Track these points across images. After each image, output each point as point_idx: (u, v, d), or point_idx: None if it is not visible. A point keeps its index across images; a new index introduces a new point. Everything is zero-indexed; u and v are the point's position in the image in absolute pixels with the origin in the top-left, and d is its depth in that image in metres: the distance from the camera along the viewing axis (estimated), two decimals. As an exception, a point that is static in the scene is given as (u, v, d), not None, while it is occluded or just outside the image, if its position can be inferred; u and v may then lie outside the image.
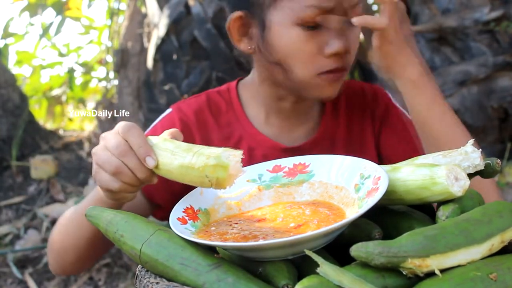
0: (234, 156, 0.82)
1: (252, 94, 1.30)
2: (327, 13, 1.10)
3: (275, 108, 1.28)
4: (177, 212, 0.84)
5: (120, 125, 0.91)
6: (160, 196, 1.25)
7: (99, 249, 1.21)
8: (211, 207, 0.90)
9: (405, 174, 0.78)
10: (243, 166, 0.86)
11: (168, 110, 1.32)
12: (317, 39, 1.13)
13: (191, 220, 0.84)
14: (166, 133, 0.93)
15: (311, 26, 1.11)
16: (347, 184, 0.89)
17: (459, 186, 0.74)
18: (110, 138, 0.90)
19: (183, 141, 1.24)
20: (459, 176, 0.75)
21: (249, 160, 1.23)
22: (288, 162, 0.96)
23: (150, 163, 0.87)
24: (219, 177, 0.81)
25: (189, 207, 0.86)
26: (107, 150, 0.90)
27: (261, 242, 0.73)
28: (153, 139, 0.90)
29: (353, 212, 0.82)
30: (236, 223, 0.85)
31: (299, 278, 0.67)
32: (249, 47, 1.21)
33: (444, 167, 0.74)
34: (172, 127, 1.27)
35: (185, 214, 0.84)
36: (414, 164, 0.82)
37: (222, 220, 0.88)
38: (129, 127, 0.90)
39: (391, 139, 1.32)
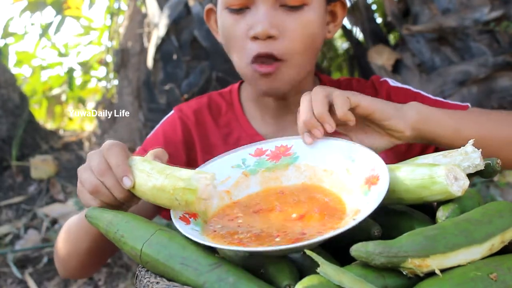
0: (205, 179, 0.81)
1: (248, 94, 1.31)
2: None
3: (264, 106, 1.27)
4: (177, 211, 0.84)
5: (105, 144, 0.91)
6: None
7: (101, 255, 1.21)
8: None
9: (405, 173, 0.78)
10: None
11: (171, 112, 1.34)
12: (243, 22, 1.12)
13: (192, 218, 0.84)
14: (150, 154, 0.93)
15: (236, 9, 1.11)
16: (337, 167, 0.88)
17: (458, 186, 0.74)
18: (94, 157, 0.91)
19: (181, 145, 1.26)
20: (458, 176, 0.75)
21: None
22: (269, 145, 0.96)
23: (127, 183, 0.86)
24: (188, 200, 0.80)
25: (183, 215, 0.86)
26: (89, 169, 0.90)
27: (286, 246, 0.72)
28: (134, 159, 0.89)
29: (353, 199, 0.82)
30: (237, 217, 0.85)
31: (300, 277, 0.67)
32: None
33: (444, 167, 0.74)
34: (173, 128, 1.28)
35: (184, 212, 0.84)
36: (414, 163, 0.82)
37: (219, 214, 0.88)
38: (111, 146, 0.90)
39: None
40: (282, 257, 0.74)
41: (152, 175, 0.84)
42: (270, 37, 1.09)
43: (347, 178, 0.87)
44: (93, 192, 0.89)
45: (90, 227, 1.02)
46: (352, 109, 0.93)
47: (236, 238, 0.78)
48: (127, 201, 0.90)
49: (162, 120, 1.33)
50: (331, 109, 0.93)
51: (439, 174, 0.74)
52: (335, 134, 0.95)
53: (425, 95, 1.26)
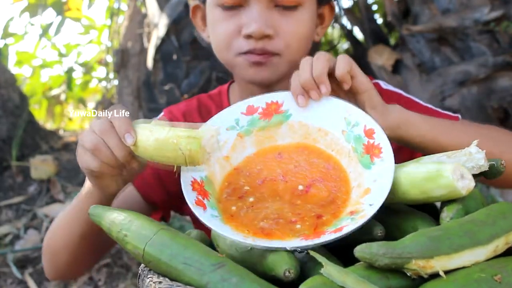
0: (210, 130, 0.83)
1: (237, 95, 1.31)
2: None
3: None
4: (188, 192, 0.84)
5: (109, 109, 0.93)
6: (155, 193, 1.26)
7: (93, 248, 1.19)
8: (208, 172, 0.89)
9: (411, 168, 0.78)
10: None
11: (160, 114, 1.34)
12: (236, 19, 1.13)
13: (205, 199, 0.84)
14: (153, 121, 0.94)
15: (229, 6, 1.12)
16: (332, 128, 0.89)
17: (464, 184, 0.74)
18: (96, 120, 0.92)
19: None
20: (465, 175, 0.75)
21: None
22: (260, 101, 0.96)
23: (129, 140, 0.87)
24: (192, 150, 0.81)
25: (193, 180, 0.86)
26: (91, 130, 0.91)
27: (314, 241, 0.74)
28: (137, 121, 0.90)
29: (353, 167, 0.83)
30: (246, 193, 0.86)
31: (304, 279, 0.66)
32: (208, 35, 1.24)
33: (452, 164, 0.75)
34: None
35: (196, 193, 0.84)
36: (419, 162, 0.82)
37: (226, 188, 0.88)
38: (115, 108, 0.92)
39: None
40: None
41: (155, 130, 0.85)
42: (265, 36, 1.11)
43: (344, 142, 0.87)
44: (94, 150, 0.89)
45: (81, 212, 1.04)
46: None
47: (259, 228, 0.79)
48: (127, 162, 0.90)
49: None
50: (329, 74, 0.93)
51: (446, 169, 0.74)
52: None
53: (417, 101, 1.26)
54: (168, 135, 0.83)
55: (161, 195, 1.26)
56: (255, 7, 1.11)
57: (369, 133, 0.84)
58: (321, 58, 0.93)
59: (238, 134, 0.94)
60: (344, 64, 0.92)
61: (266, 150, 0.93)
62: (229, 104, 1.31)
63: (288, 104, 0.94)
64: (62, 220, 1.16)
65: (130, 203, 1.23)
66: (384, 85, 1.31)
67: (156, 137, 0.84)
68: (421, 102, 1.27)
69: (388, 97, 1.26)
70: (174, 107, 1.34)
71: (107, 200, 1.03)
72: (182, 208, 1.34)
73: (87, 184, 1.05)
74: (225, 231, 0.77)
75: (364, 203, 0.78)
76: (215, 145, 0.85)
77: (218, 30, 1.16)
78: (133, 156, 0.90)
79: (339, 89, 0.95)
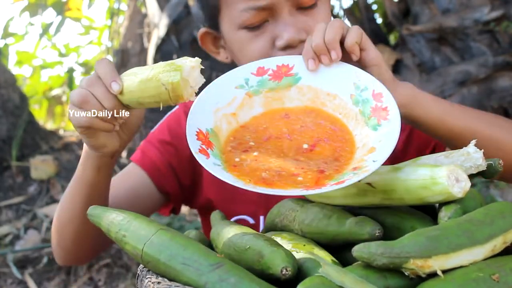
0: (189, 61, 0.84)
1: None
2: (265, 10, 1.10)
3: None
4: (193, 141, 0.84)
5: (96, 62, 0.95)
6: (169, 183, 1.26)
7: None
8: (214, 125, 0.90)
9: (406, 174, 0.77)
10: None
11: (175, 107, 1.35)
12: (265, 35, 1.12)
13: (209, 149, 0.84)
14: None
15: (255, 26, 1.12)
16: (341, 92, 0.89)
17: (459, 187, 0.74)
18: (84, 77, 0.94)
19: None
20: (460, 177, 0.74)
21: None
22: (271, 63, 0.96)
23: (115, 87, 0.88)
24: (174, 83, 0.82)
25: (198, 130, 0.87)
26: (79, 87, 0.93)
27: (314, 191, 0.75)
28: (125, 72, 0.92)
29: (360, 130, 0.84)
30: (251, 148, 0.86)
31: (301, 279, 0.66)
32: (226, 57, 1.25)
33: (446, 168, 0.74)
34: (177, 121, 1.29)
35: (201, 142, 0.84)
36: (415, 164, 0.82)
37: (231, 141, 0.89)
38: (101, 61, 0.93)
39: None
40: (278, 244, 0.75)
41: (139, 73, 0.87)
42: (301, 41, 1.10)
43: (351, 105, 0.87)
44: (82, 103, 0.90)
45: (81, 181, 1.05)
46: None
47: (260, 178, 0.79)
48: (116, 110, 0.91)
49: (167, 115, 1.35)
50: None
51: (440, 175, 0.74)
52: None
53: None
54: (150, 74, 0.84)
55: (174, 185, 1.27)
56: (281, 17, 1.11)
57: (377, 97, 0.85)
58: (335, 25, 0.94)
59: (246, 93, 0.94)
60: (354, 35, 0.93)
61: (273, 111, 0.94)
62: None
63: (298, 68, 0.95)
64: (66, 194, 1.15)
65: (142, 191, 1.24)
66: None
67: (140, 78, 0.86)
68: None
69: None
70: (189, 102, 1.34)
71: (105, 165, 1.03)
72: (192, 201, 1.35)
73: (85, 149, 1.05)
74: (227, 178, 0.78)
75: (367, 160, 0.79)
76: (198, 78, 0.85)
77: (249, 51, 1.14)
78: (123, 105, 0.91)
79: (350, 59, 0.95)
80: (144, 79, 0.85)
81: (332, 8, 1.28)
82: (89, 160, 1.03)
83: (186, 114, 1.30)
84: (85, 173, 1.05)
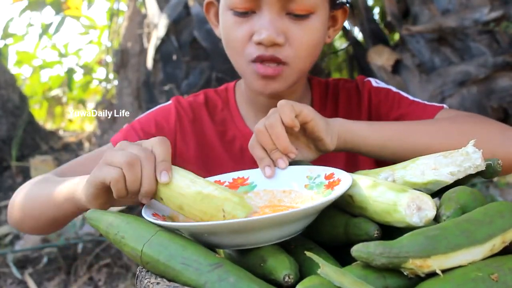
0: (255, 206, 0.87)
1: (242, 93, 1.31)
2: (254, 1, 1.09)
3: (258, 105, 1.27)
4: (148, 216, 0.83)
5: (153, 139, 0.88)
6: None
7: (56, 224, 1.16)
8: (170, 213, 0.88)
9: (378, 194, 0.77)
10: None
11: (168, 102, 1.33)
12: (247, 25, 1.11)
13: (165, 221, 0.84)
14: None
15: (240, 12, 1.11)
16: (295, 187, 0.93)
17: (419, 216, 0.72)
18: (134, 146, 0.87)
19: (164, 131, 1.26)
20: (424, 205, 0.73)
21: (240, 160, 1.24)
22: (227, 177, 0.98)
23: (164, 178, 0.82)
24: (235, 216, 0.80)
25: (155, 213, 0.86)
26: (128, 150, 0.85)
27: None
28: (177, 167, 0.87)
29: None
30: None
31: (300, 279, 0.66)
32: (219, 33, 1.22)
33: (410, 195, 0.73)
34: (166, 116, 1.28)
35: (155, 218, 0.83)
36: (401, 174, 0.84)
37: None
38: (162, 140, 0.87)
39: (384, 111, 1.29)
40: (281, 250, 0.75)
41: (198, 182, 0.82)
42: (275, 44, 1.09)
43: (307, 192, 0.90)
44: (128, 163, 0.82)
45: (64, 204, 1.01)
46: (296, 117, 0.97)
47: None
48: (145, 196, 0.85)
49: (158, 106, 1.33)
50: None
51: (401, 203, 0.73)
52: None
53: (403, 95, 1.28)
54: (213, 193, 0.81)
55: None
56: (266, 14, 1.09)
57: (330, 176, 0.88)
58: (276, 124, 0.95)
59: None
60: (289, 111, 0.95)
61: None
62: (235, 101, 1.31)
63: (253, 178, 0.97)
64: (45, 196, 1.10)
65: None
66: (375, 83, 1.32)
67: (199, 189, 0.81)
68: (408, 96, 1.28)
69: (376, 94, 1.30)
70: (182, 98, 1.33)
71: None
72: None
73: (79, 194, 0.95)
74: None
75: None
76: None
77: (230, 36, 1.15)
78: (155, 194, 0.85)
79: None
80: (204, 194, 0.81)
81: (347, 9, 1.25)
82: (77, 202, 0.97)
83: (177, 111, 1.31)
84: (65, 204, 1.01)
